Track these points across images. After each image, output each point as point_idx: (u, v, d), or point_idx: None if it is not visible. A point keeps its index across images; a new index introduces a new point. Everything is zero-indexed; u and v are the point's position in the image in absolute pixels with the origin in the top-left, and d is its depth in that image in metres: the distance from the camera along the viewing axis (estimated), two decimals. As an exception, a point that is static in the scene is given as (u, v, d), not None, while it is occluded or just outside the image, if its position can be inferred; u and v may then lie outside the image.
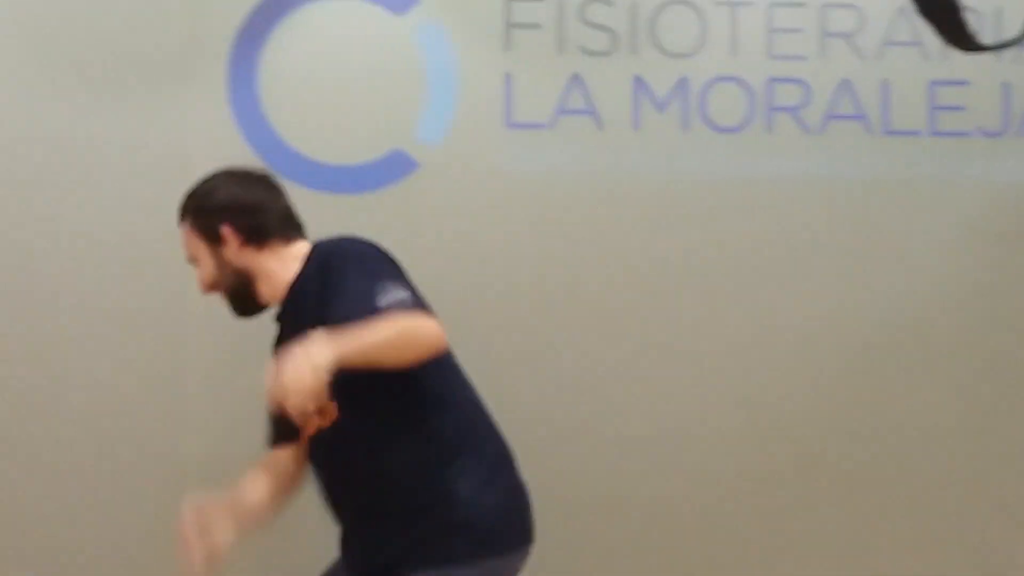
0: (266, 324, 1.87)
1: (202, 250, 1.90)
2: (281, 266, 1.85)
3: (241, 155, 2.27)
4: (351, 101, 2.37)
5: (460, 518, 1.71)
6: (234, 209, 1.87)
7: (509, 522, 1.78)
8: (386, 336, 1.60)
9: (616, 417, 2.41)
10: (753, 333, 2.44)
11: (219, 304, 1.90)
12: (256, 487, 1.84)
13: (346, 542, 1.84)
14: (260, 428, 1.90)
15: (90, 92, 2.33)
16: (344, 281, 1.69)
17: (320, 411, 1.69)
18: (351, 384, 1.63)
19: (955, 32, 1.92)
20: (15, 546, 2.31)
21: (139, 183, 2.34)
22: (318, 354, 1.51)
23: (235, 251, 1.86)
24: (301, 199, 2.08)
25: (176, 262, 2.02)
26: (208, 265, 1.89)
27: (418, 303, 1.70)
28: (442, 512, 1.71)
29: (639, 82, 2.41)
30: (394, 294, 1.67)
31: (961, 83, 2.48)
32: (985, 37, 2.21)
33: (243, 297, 1.89)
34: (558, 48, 2.39)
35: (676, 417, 2.41)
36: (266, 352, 1.83)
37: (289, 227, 1.90)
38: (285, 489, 1.88)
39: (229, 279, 1.88)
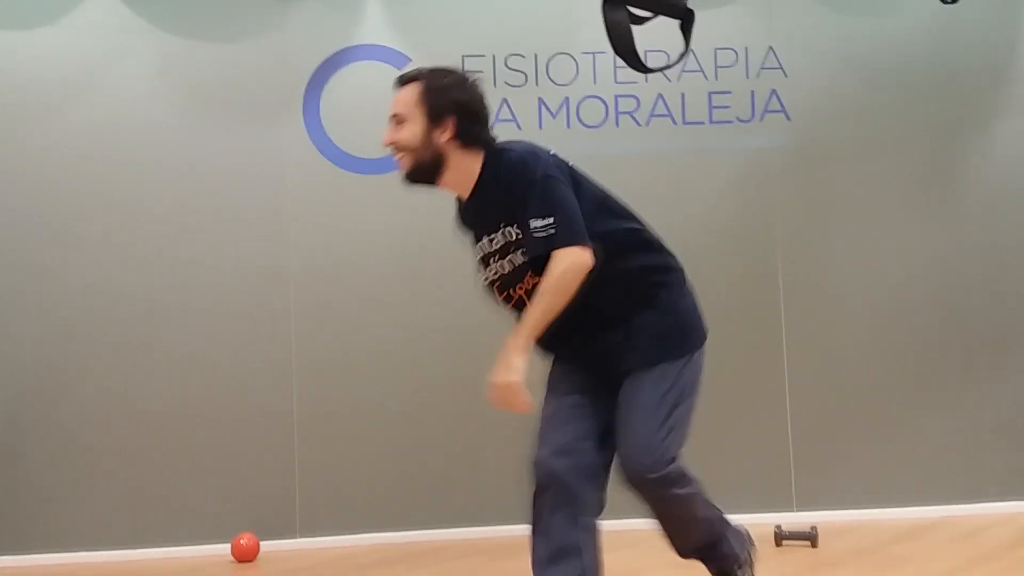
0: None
1: (416, 119, 2.20)
2: (470, 167, 2.22)
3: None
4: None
5: (674, 324, 2.27)
6: (466, 111, 2.21)
7: (699, 315, 2.34)
8: (548, 304, 2.11)
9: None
10: None
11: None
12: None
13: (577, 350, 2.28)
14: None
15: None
16: (532, 195, 2.13)
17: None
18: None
19: (633, 62, 2.75)
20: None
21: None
22: (514, 368, 2.10)
23: (443, 138, 2.20)
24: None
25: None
26: (413, 134, 2.20)
27: (575, 229, 2.11)
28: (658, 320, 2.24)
29: None
30: (560, 226, 2.10)
31: None
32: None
33: (426, 172, 2.24)
34: None
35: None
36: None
37: (487, 140, 2.24)
38: None
39: (423, 154, 2.20)
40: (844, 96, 4.45)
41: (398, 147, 2.25)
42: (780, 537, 3.83)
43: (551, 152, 2.26)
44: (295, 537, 4.15)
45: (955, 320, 4.46)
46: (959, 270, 4.47)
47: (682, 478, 2.27)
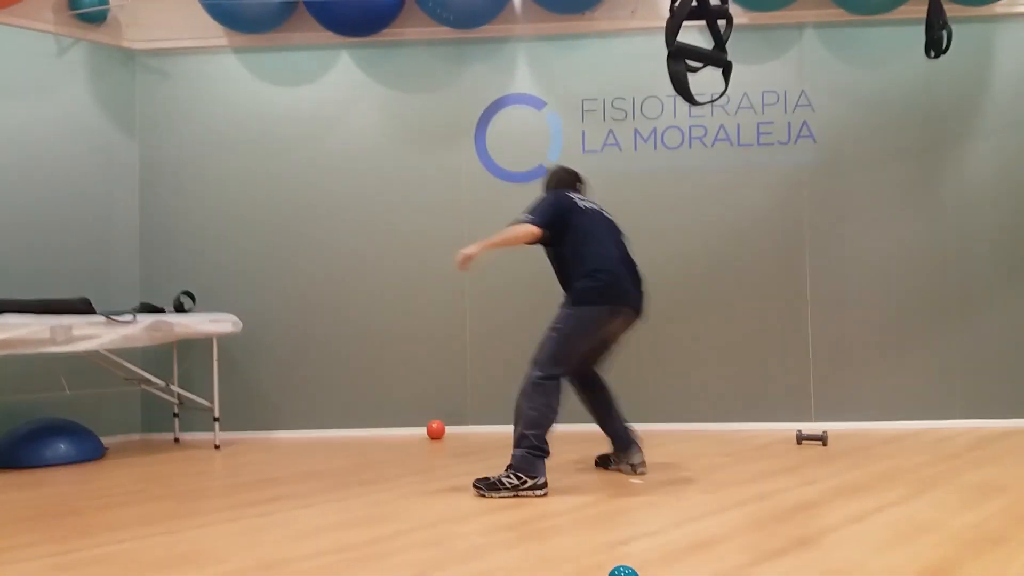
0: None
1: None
2: None
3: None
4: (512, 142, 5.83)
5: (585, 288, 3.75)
6: (556, 182, 4.11)
7: (602, 293, 3.74)
8: (502, 238, 3.65)
9: None
10: None
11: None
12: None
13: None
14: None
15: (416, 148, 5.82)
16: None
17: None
18: (554, 250, 3.87)
19: (687, 98, 3.78)
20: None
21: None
22: (471, 248, 3.62)
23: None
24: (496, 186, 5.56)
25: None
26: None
27: (535, 218, 3.71)
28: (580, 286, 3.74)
29: None
30: (528, 215, 3.70)
31: None
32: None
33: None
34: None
35: None
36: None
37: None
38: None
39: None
40: (856, 125, 5.49)
41: None
42: (800, 438, 4.80)
43: (567, 194, 3.93)
44: (468, 424, 5.51)
45: (933, 285, 5.44)
46: (938, 248, 5.47)
47: (541, 377, 3.63)
